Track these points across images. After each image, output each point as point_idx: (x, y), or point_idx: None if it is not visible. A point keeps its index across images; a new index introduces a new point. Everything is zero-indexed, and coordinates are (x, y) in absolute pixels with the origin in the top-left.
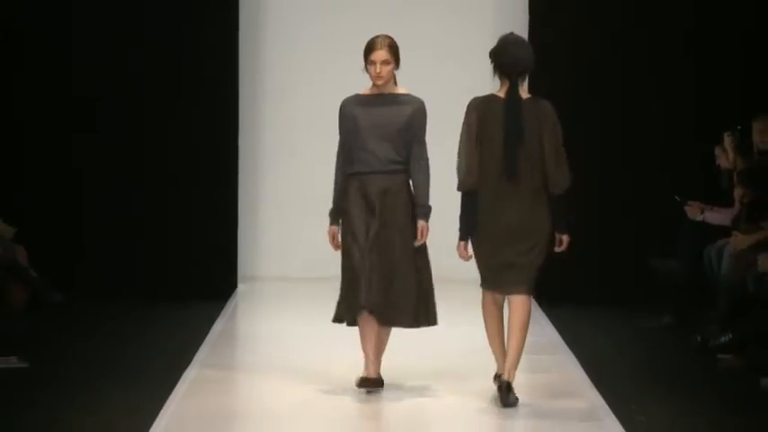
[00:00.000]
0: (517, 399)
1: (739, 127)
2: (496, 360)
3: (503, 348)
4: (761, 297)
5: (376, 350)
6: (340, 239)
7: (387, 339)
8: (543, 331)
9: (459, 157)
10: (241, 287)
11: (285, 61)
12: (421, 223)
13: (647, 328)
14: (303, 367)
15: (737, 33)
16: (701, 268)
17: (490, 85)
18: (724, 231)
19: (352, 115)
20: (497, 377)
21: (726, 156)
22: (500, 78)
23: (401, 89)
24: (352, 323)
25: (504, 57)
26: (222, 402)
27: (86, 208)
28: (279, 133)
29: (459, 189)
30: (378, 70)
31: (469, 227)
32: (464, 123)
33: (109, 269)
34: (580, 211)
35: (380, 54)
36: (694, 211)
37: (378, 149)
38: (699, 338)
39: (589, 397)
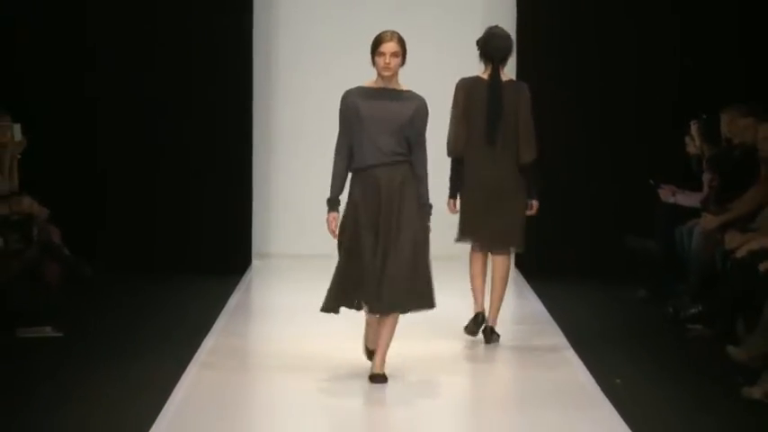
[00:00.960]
0: (498, 336)
1: (704, 116)
2: (475, 298)
3: (482, 287)
4: (727, 272)
5: (379, 338)
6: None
7: (394, 328)
8: (529, 303)
9: (449, 129)
10: (255, 263)
11: (297, 38)
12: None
13: (625, 300)
14: (312, 335)
15: (711, 29)
16: (673, 246)
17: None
18: (694, 212)
19: (355, 107)
20: (476, 316)
21: (694, 143)
22: (485, 63)
23: (404, 86)
24: (330, 311)
25: (489, 45)
26: (238, 367)
27: (112, 192)
28: (291, 117)
29: (448, 155)
30: (387, 61)
31: (456, 187)
32: (453, 100)
33: (133, 247)
34: (567, 193)
35: (390, 46)
36: (667, 194)
37: (381, 142)
38: (671, 310)
39: (571, 363)
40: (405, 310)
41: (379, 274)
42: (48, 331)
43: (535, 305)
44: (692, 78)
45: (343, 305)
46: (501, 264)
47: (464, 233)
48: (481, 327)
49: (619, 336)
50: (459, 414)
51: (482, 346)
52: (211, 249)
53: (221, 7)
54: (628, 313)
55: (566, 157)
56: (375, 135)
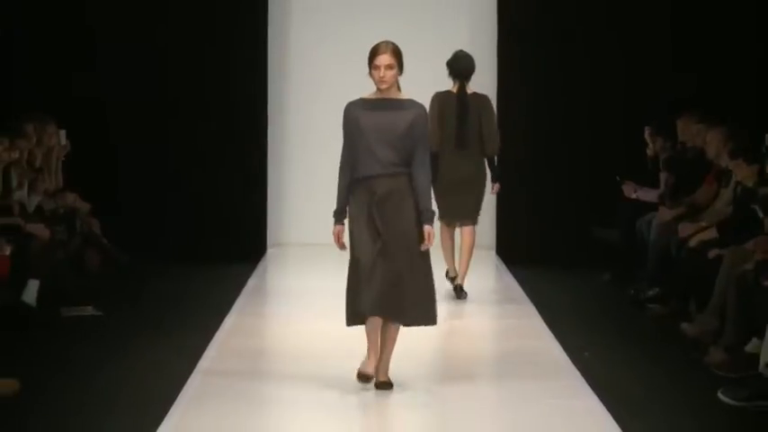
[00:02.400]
0: (466, 294)
1: (655, 121)
2: (447, 264)
3: (452, 258)
4: (681, 259)
5: (381, 348)
6: (346, 239)
7: (395, 339)
8: (507, 285)
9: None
10: (270, 251)
11: (312, 31)
12: (427, 228)
13: (592, 283)
14: (324, 314)
15: (669, 37)
16: (634, 236)
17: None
18: (652, 207)
19: (355, 118)
20: (449, 275)
21: (650, 146)
22: (453, 79)
23: (404, 95)
24: (360, 323)
25: (456, 66)
26: (256, 344)
27: (143, 188)
28: (304, 112)
29: None
30: (381, 74)
31: (433, 179)
32: (430, 109)
33: (162, 236)
34: (542, 189)
35: (384, 58)
36: (629, 190)
37: (380, 153)
38: (632, 291)
39: (544, 337)
40: (403, 322)
41: (378, 284)
42: (89, 311)
43: (513, 287)
44: (652, 87)
45: (358, 323)
46: (469, 233)
47: (444, 216)
48: (453, 284)
49: (587, 314)
50: (437, 381)
51: (463, 319)
52: (231, 238)
53: (236, 7)
54: (595, 294)
55: (543, 159)
56: (374, 146)
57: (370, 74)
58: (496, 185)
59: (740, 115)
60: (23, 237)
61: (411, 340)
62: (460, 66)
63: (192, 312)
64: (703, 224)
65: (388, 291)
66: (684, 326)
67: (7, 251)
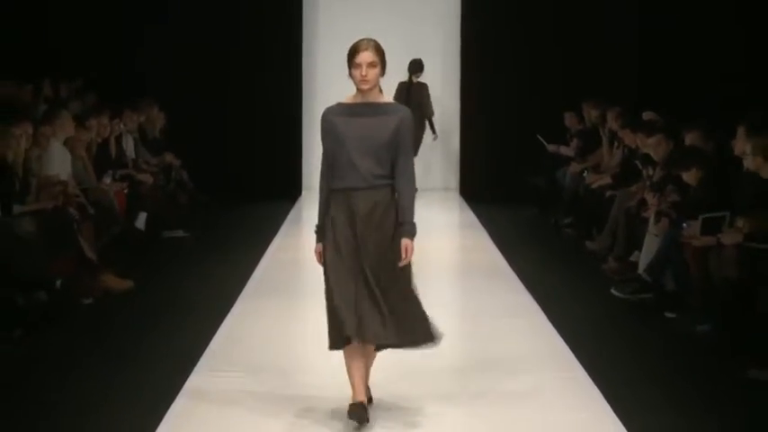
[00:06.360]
0: None
1: (567, 109)
2: None
3: None
4: (586, 197)
5: (365, 374)
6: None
7: (372, 362)
8: (467, 216)
9: None
10: (304, 192)
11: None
12: (405, 242)
13: (525, 215)
14: None
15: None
16: (554, 181)
17: None
18: (567, 161)
19: (334, 126)
20: None
21: (570, 121)
22: (408, 73)
23: (385, 97)
24: (341, 348)
25: (410, 66)
26: (296, 256)
27: (214, 149)
28: (329, 79)
29: None
30: (363, 73)
31: None
32: (395, 91)
33: (227, 182)
34: (493, 147)
35: (367, 55)
36: (554, 148)
37: (362, 164)
38: (553, 220)
39: (491, 252)
40: (395, 345)
41: (364, 305)
42: (180, 233)
43: (471, 218)
44: (572, 81)
45: (342, 347)
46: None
47: None
48: None
49: (521, 235)
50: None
51: (434, 241)
52: (275, 183)
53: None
54: (527, 222)
55: (496, 127)
56: (355, 156)
57: (350, 74)
58: (435, 136)
59: (626, 99)
60: (135, 182)
61: None
62: (412, 63)
63: (250, 235)
64: (600, 174)
65: (374, 316)
66: (588, 243)
67: (125, 191)
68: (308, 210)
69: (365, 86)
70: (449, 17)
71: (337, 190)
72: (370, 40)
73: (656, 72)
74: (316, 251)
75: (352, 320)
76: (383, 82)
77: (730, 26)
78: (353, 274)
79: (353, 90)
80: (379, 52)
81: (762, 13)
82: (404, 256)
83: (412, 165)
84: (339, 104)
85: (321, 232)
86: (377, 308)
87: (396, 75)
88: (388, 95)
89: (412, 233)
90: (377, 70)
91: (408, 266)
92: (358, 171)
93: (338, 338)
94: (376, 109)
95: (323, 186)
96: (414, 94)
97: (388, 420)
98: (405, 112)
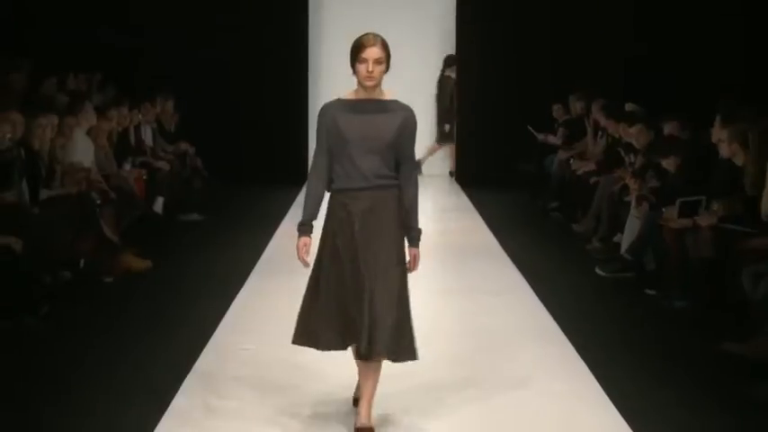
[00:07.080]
0: None
1: (556, 103)
2: None
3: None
4: (572, 182)
5: (362, 386)
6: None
7: (377, 378)
8: (460, 200)
9: None
10: None
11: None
12: (413, 251)
13: (516, 199)
14: None
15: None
16: (543, 168)
17: None
18: (555, 149)
19: (335, 124)
20: None
21: (558, 112)
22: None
23: (389, 95)
24: (310, 346)
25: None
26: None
27: (226, 139)
28: (335, 71)
29: None
30: (370, 69)
31: None
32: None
33: (238, 169)
34: (486, 136)
35: (374, 51)
36: (542, 138)
37: (364, 163)
38: (542, 204)
39: (483, 231)
40: (392, 358)
41: (367, 316)
42: (195, 216)
43: (466, 202)
44: (562, 73)
45: (307, 344)
46: None
47: None
48: None
49: (512, 218)
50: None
51: (431, 223)
52: (282, 169)
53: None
54: (518, 206)
55: (489, 118)
56: (357, 156)
57: (354, 70)
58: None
59: (612, 92)
60: (153, 169)
61: None
62: (449, 60)
63: (259, 219)
64: (585, 161)
65: (377, 327)
66: (574, 225)
67: (143, 177)
68: None
69: (370, 83)
70: (447, 15)
71: (338, 190)
72: (377, 35)
73: (639, 66)
74: (299, 246)
75: (329, 336)
76: (390, 76)
77: (712, 23)
78: (347, 286)
79: (355, 84)
80: (386, 48)
81: (744, 9)
82: (412, 265)
83: (416, 169)
84: (339, 100)
85: (305, 226)
86: (367, 320)
87: (399, 71)
88: (395, 93)
89: (418, 240)
90: (382, 67)
91: (405, 273)
92: (360, 172)
93: (304, 339)
94: (379, 106)
95: (312, 182)
96: (450, 88)
97: (380, 386)
98: (408, 110)
